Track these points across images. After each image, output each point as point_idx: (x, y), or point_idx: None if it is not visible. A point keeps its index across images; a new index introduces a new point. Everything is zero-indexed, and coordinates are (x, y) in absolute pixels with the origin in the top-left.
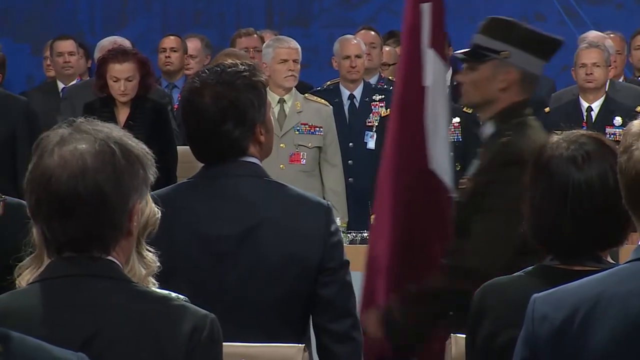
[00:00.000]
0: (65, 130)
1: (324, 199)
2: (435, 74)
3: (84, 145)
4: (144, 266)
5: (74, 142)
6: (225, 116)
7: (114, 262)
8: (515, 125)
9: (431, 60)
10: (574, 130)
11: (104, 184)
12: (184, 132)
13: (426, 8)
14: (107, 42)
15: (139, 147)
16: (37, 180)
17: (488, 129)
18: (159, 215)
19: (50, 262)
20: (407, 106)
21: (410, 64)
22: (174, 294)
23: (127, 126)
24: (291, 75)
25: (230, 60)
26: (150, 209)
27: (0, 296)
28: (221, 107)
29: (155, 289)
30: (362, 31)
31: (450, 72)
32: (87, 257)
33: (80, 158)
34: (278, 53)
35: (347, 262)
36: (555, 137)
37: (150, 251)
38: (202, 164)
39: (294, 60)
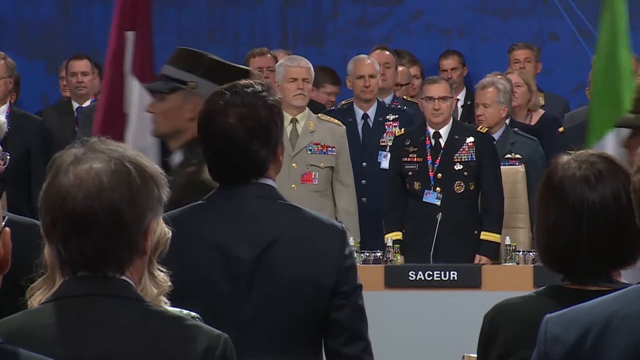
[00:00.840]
0: (79, 150)
1: (336, 219)
2: (138, 101)
3: (99, 165)
4: (155, 286)
5: (88, 161)
6: (253, 137)
7: (127, 281)
8: (202, 155)
9: (134, 89)
10: (582, 150)
11: (120, 203)
12: (204, 154)
13: (130, 36)
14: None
15: (153, 166)
16: (52, 199)
17: (177, 158)
18: (170, 235)
19: (64, 281)
20: (108, 132)
21: (112, 91)
22: (185, 311)
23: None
24: (300, 94)
25: (243, 81)
26: (161, 228)
27: (14, 315)
28: (248, 127)
29: (167, 307)
30: (377, 51)
31: (464, 92)
32: (101, 276)
33: (96, 177)
34: (288, 72)
35: (360, 286)
36: (564, 157)
37: (161, 271)
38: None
39: (304, 80)
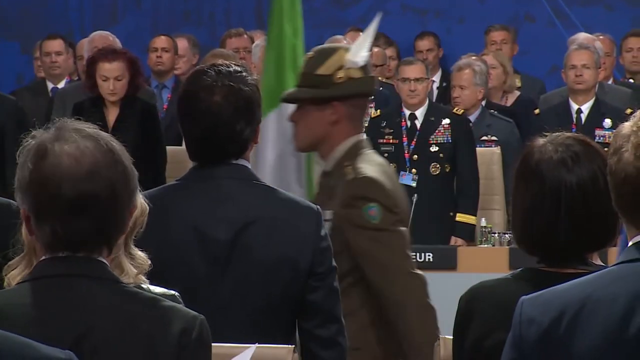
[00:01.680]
0: (58, 130)
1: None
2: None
3: (90, 144)
4: (134, 265)
5: (76, 140)
6: (239, 115)
7: (104, 262)
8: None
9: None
10: (557, 133)
11: (116, 182)
12: (183, 131)
13: None
14: (97, 36)
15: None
16: (45, 180)
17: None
18: (147, 212)
19: (42, 260)
20: None
21: None
22: (164, 289)
23: (116, 126)
24: None
25: (220, 61)
26: (140, 206)
27: None
28: (235, 105)
29: (146, 285)
30: (351, 32)
31: (440, 74)
32: (80, 257)
33: (92, 156)
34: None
35: (335, 268)
36: (540, 140)
37: (141, 250)
38: (191, 164)
39: None
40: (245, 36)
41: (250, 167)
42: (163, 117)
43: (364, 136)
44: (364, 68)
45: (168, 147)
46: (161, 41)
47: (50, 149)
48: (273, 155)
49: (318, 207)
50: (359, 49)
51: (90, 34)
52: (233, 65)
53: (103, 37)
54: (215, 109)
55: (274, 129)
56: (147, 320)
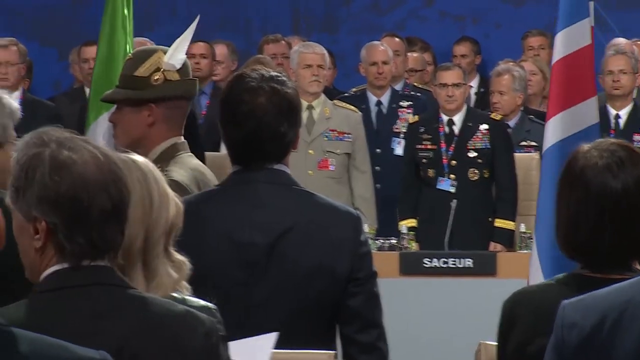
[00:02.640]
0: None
1: (353, 205)
2: None
3: (96, 151)
4: (174, 270)
5: (82, 148)
6: (283, 118)
7: (114, 269)
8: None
9: None
10: (601, 139)
11: (127, 192)
12: (225, 135)
13: None
14: (135, 42)
15: None
16: (77, 190)
17: None
18: (182, 211)
19: (59, 270)
20: None
21: None
22: (202, 302)
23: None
24: (315, 81)
25: (261, 67)
26: (175, 205)
27: (14, 308)
28: (280, 108)
29: (182, 296)
30: (386, 38)
31: (477, 79)
32: (99, 266)
33: (107, 163)
34: (303, 58)
35: (375, 273)
36: (584, 146)
37: (179, 254)
38: (230, 171)
39: (319, 66)
40: (283, 42)
41: (289, 172)
42: (201, 123)
43: (182, 139)
44: (182, 70)
45: (207, 153)
46: (199, 47)
47: (67, 158)
48: None
49: (357, 212)
50: (176, 52)
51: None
52: (273, 72)
53: (141, 44)
54: (259, 111)
55: (105, 131)
56: (172, 325)
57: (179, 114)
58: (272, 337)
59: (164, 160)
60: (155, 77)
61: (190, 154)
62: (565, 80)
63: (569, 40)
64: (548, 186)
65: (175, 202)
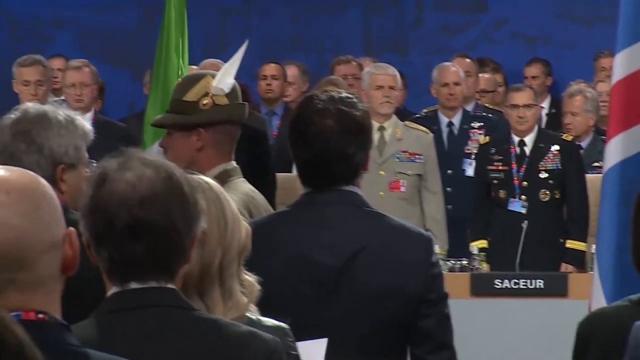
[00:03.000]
0: (121, 159)
1: (424, 226)
2: None
3: (150, 172)
4: (245, 292)
5: (137, 169)
6: (350, 138)
7: (177, 290)
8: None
9: None
10: None
11: (173, 210)
12: (294, 156)
13: None
14: (208, 63)
15: (192, 178)
16: (102, 205)
17: None
18: (250, 233)
19: (117, 292)
20: None
21: None
22: (275, 322)
23: None
24: (386, 102)
25: (333, 89)
26: (245, 229)
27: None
28: (347, 128)
29: (256, 316)
30: (458, 59)
31: (549, 100)
32: (154, 287)
33: (150, 183)
34: (374, 79)
35: (446, 295)
36: None
37: (248, 275)
38: (301, 191)
39: (390, 87)
40: (354, 63)
41: (360, 193)
42: (273, 144)
43: (232, 164)
44: (231, 95)
45: (278, 174)
46: (270, 69)
47: (111, 176)
48: None
49: (429, 233)
50: (224, 76)
51: (198, 61)
52: (344, 92)
53: (214, 65)
54: (327, 133)
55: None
56: (232, 347)
57: (228, 138)
58: (323, 343)
59: None
60: (204, 102)
61: (243, 179)
62: (625, 102)
63: (629, 61)
64: (609, 207)
65: (244, 224)
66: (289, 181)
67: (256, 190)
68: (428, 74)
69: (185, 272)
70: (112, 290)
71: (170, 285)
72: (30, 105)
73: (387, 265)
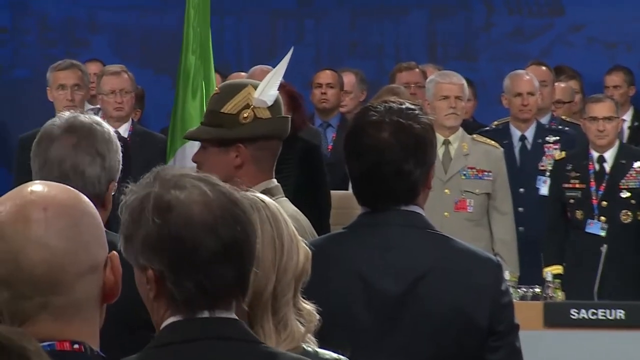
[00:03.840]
0: (168, 178)
1: (493, 250)
2: None
3: (207, 188)
4: (302, 322)
5: (193, 186)
6: (408, 154)
7: (241, 322)
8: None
9: None
10: None
11: (250, 232)
12: (348, 171)
13: None
14: (258, 70)
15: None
16: (182, 232)
17: None
18: (310, 257)
19: (174, 322)
20: None
21: None
22: (333, 354)
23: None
24: (452, 114)
25: (392, 98)
26: (304, 250)
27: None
28: (405, 143)
29: (313, 348)
30: (532, 66)
31: (631, 112)
32: (218, 318)
33: (217, 200)
34: (439, 89)
35: (517, 326)
36: None
37: (306, 303)
38: (358, 211)
39: (457, 97)
40: (417, 70)
41: (423, 213)
42: (328, 159)
43: (274, 182)
44: (273, 107)
45: (333, 192)
46: (326, 76)
47: (173, 199)
48: None
49: (498, 259)
50: (267, 87)
51: (247, 67)
52: (406, 103)
53: (264, 72)
54: (382, 146)
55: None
56: None
57: (270, 154)
58: None
59: None
60: (244, 115)
61: (285, 198)
62: None
63: None
64: None
65: (303, 246)
66: (346, 200)
67: (300, 212)
68: (498, 82)
69: None
70: (170, 319)
71: (233, 316)
72: (75, 114)
73: (452, 292)
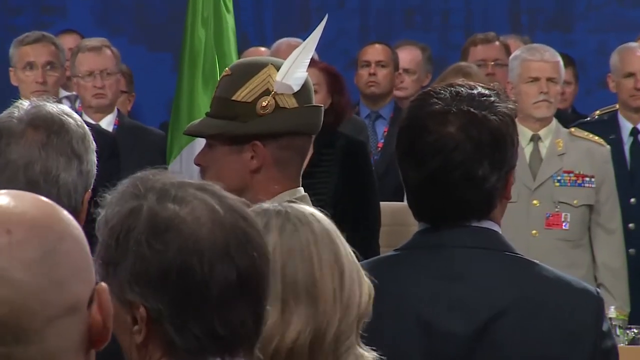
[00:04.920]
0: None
1: (595, 279)
2: None
3: (214, 200)
4: None
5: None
6: (482, 154)
7: None
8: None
9: None
10: None
11: (267, 258)
12: (402, 177)
13: None
14: (284, 44)
15: None
16: (190, 261)
17: None
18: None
19: None
20: None
21: None
22: None
23: (309, 172)
24: (543, 100)
25: (462, 81)
26: (367, 285)
27: None
28: (479, 140)
29: None
30: None
31: None
32: None
33: (232, 218)
34: (526, 68)
35: None
36: None
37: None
38: (415, 228)
39: (550, 79)
40: (497, 43)
41: (499, 231)
42: (377, 160)
43: (301, 191)
44: (300, 94)
45: (383, 203)
46: (376, 52)
47: (173, 216)
48: None
49: (598, 290)
50: (292, 67)
51: (270, 41)
52: (479, 87)
53: (292, 47)
54: (449, 145)
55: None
56: None
57: (296, 155)
58: None
59: None
60: (263, 104)
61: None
62: None
63: None
64: None
65: (365, 278)
66: (399, 214)
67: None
68: (603, 60)
69: (278, 345)
70: None
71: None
72: (39, 103)
73: (539, 334)
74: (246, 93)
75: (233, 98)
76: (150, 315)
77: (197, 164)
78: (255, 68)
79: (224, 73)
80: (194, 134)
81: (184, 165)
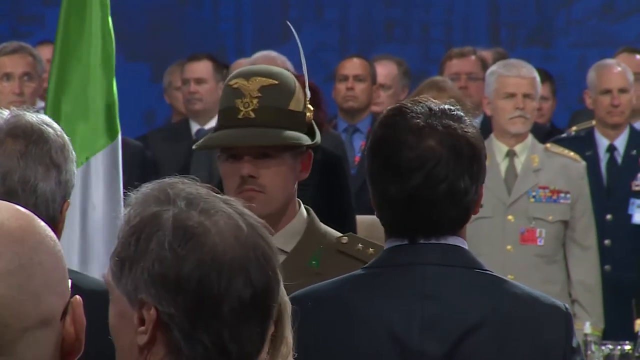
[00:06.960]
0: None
1: (570, 295)
2: None
3: (236, 213)
4: None
5: (225, 216)
6: (463, 169)
7: None
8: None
9: None
10: None
11: (279, 279)
12: (375, 192)
13: None
14: (260, 57)
15: None
16: (210, 270)
17: None
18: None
19: None
20: None
21: None
22: None
23: None
24: (519, 117)
25: (425, 97)
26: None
27: None
28: (457, 152)
29: None
30: (624, 54)
31: None
32: None
33: (251, 234)
34: (503, 84)
35: None
36: None
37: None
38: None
39: (526, 95)
40: (473, 57)
41: (466, 247)
42: (354, 174)
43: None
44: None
45: (360, 217)
46: (353, 65)
47: (198, 225)
48: (100, 213)
49: (567, 306)
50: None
51: (250, 53)
52: (446, 103)
53: (269, 60)
54: (431, 159)
55: (102, 175)
56: None
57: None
58: None
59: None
60: (308, 113)
61: (319, 222)
62: None
63: None
64: None
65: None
66: (376, 228)
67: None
68: (581, 76)
69: None
70: None
71: None
72: (18, 113)
73: (509, 350)
74: (295, 102)
75: (290, 108)
76: (160, 319)
77: (249, 175)
78: (290, 76)
79: (267, 82)
80: (262, 144)
81: (93, 176)
